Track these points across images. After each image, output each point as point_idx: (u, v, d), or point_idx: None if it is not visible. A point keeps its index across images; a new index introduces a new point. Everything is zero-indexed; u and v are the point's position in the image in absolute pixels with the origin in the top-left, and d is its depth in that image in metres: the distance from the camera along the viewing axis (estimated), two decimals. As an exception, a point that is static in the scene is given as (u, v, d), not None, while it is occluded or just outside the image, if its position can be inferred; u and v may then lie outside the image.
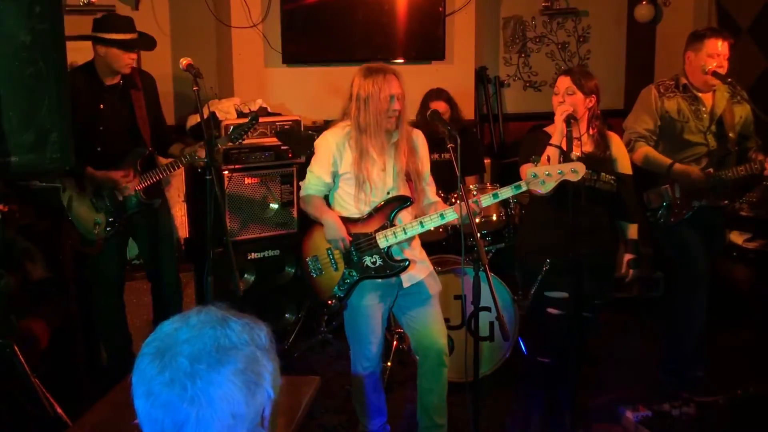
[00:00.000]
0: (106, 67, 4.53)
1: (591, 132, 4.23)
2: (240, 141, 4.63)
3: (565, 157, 3.89)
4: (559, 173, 3.70)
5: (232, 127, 4.77)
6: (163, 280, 4.88)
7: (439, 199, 4.10)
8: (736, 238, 5.98)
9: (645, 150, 4.66)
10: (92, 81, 4.57)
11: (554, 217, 4.15)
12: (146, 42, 4.64)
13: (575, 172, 3.71)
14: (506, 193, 3.76)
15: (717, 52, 4.53)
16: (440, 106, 5.31)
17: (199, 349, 1.39)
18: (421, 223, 3.78)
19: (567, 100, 4.15)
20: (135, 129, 4.65)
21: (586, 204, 3.97)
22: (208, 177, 3.74)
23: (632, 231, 4.38)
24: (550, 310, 4.31)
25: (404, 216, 3.85)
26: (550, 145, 4.05)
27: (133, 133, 4.65)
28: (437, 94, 5.52)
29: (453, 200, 4.87)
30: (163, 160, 4.78)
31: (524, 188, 3.75)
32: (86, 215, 4.54)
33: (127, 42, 4.45)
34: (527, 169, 3.80)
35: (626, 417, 4.35)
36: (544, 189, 3.73)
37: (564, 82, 4.19)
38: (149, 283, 5.02)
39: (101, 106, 4.58)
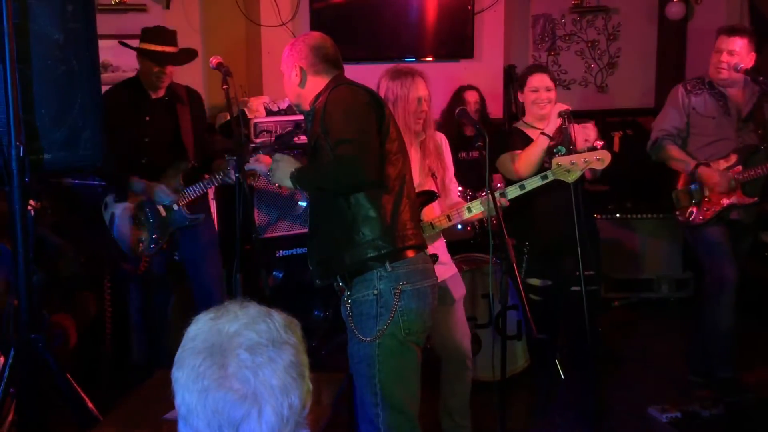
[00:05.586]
0: (146, 79, 4.57)
1: None
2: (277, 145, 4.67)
3: (566, 150, 4.01)
4: (585, 162, 3.74)
5: (275, 135, 4.76)
6: (205, 291, 4.75)
7: (461, 201, 4.09)
8: (768, 238, 5.93)
9: (671, 148, 4.71)
10: (138, 94, 4.60)
11: (530, 205, 4.37)
12: (178, 57, 4.61)
13: (601, 160, 3.76)
14: (533, 183, 3.80)
15: (721, 47, 4.58)
16: (474, 95, 5.47)
17: (256, 343, 1.42)
18: (448, 216, 3.79)
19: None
20: (179, 142, 4.64)
21: (556, 189, 4.02)
22: (236, 175, 3.75)
23: None
24: (532, 295, 4.53)
25: (430, 212, 3.85)
26: (542, 133, 4.19)
27: (177, 147, 4.65)
28: (469, 86, 5.65)
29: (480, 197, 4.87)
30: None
31: (551, 178, 3.80)
32: (129, 232, 4.52)
33: (158, 55, 4.47)
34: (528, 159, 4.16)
35: (655, 417, 4.33)
36: (570, 178, 3.76)
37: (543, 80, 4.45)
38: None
39: (147, 118, 4.60)
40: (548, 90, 4.42)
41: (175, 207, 4.55)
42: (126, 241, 4.53)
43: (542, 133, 4.18)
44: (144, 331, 4.88)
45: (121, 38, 4.76)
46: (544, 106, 4.38)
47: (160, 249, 4.59)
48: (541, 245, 4.57)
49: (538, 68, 4.61)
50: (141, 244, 4.52)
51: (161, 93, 4.63)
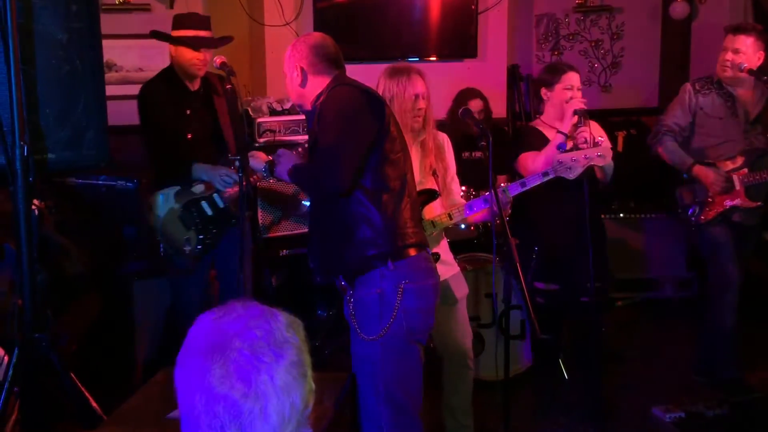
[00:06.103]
0: (182, 69, 4.40)
1: None
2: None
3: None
4: (586, 158, 3.73)
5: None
6: (234, 292, 4.38)
7: (463, 201, 4.07)
8: (773, 238, 5.91)
9: (670, 144, 4.71)
10: (176, 87, 4.43)
11: (540, 210, 4.44)
12: (213, 41, 4.42)
13: (602, 156, 3.75)
14: (534, 181, 3.78)
15: (726, 46, 4.56)
16: (478, 104, 5.41)
17: (257, 342, 1.42)
18: (449, 214, 3.78)
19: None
20: (219, 136, 4.49)
21: (567, 194, 4.08)
22: (239, 174, 3.74)
23: None
24: (538, 299, 4.63)
25: (431, 210, 3.84)
26: (559, 132, 4.16)
27: (217, 140, 4.49)
28: (473, 92, 5.58)
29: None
30: None
31: (552, 175, 3.77)
32: (176, 233, 4.33)
33: (192, 39, 4.31)
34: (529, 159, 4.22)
35: (659, 417, 4.32)
36: (572, 175, 3.75)
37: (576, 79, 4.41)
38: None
39: (188, 112, 4.44)
40: (578, 89, 4.38)
41: (221, 204, 4.37)
42: (173, 243, 4.34)
43: (559, 132, 4.15)
44: (160, 330, 4.84)
45: (123, 38, 4.71)
46: (577, 105, 4.24)
47: (207, 249, 4.42)
48: (550, 250, 4.57)
49: (570, 66, 4.49)
50: (188, 245, 4.35)
51: (197, 84, 4.47)
